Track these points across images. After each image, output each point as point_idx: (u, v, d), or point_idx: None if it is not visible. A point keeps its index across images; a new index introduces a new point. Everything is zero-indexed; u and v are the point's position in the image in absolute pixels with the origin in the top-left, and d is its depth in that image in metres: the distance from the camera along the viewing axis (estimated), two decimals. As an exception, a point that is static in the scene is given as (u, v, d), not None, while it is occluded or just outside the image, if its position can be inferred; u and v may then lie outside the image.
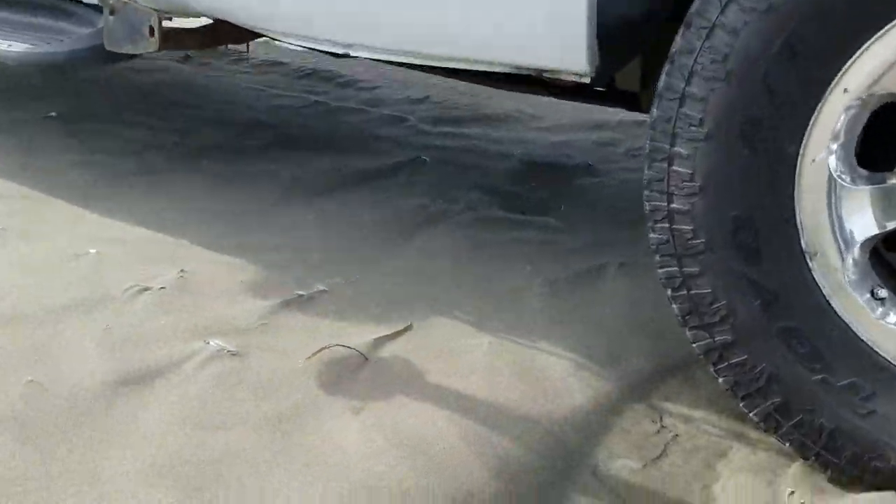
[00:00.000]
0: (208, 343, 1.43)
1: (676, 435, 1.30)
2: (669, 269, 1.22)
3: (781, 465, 1.22)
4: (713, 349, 1.21)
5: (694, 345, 1.23)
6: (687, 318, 1.22)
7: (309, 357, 1.39)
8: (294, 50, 4.41)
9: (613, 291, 1.70)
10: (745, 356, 1.19)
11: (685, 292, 1.21)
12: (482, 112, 3.12)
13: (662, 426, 1.32)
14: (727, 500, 1.16)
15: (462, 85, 3.66)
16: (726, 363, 1.21)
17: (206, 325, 1.50)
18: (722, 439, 1.29)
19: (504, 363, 1.42)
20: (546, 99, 3.48)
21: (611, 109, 3.28)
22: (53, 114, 2.76)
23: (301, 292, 1.63)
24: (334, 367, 1.38)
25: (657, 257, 1.23)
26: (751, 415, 1.22)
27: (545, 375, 1.39)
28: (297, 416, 1.26)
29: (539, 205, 2.21)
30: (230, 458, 1.16)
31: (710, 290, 1.19)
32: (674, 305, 1.24)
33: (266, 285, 1.67)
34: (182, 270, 1.70)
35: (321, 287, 1.66)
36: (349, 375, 1.37)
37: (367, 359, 1.41)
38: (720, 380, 1.23)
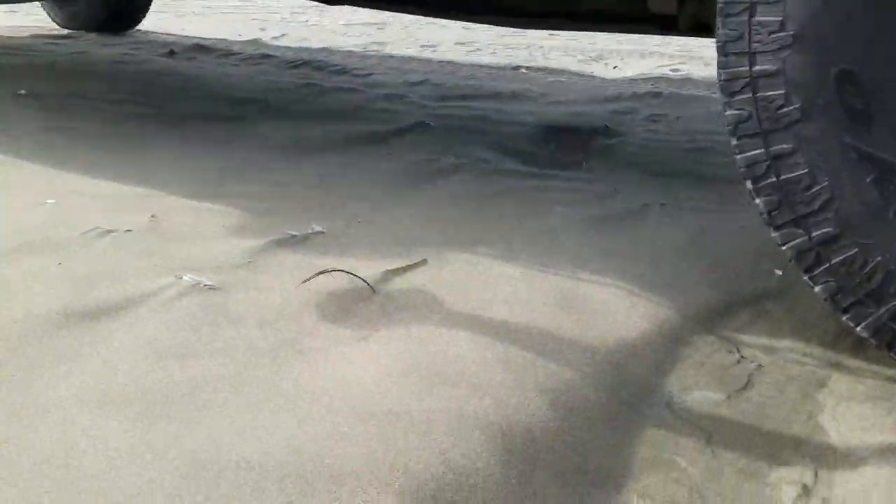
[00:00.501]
0: (181, 278, 1.18)
1: (760, 366, 1.05)
2: (752, 152, 0.98)
3: (899, 393, 0.98)
4: (808, 249, 0.98)
5: (783, 247, 1.00)
6: (774, 213, 0.99)
7: (304, 281, 1.15)
8: (283, 45, 4.21)
9: (661, 228, 1.46)
10: (853, 251, 0.95)
11: (773, 179, 0.98)
12: (487, 91, 2.92)
13: (742, 357, 1.07)
14: (841, 431, 0.91)
15: (462, 71, 3.47)
16: (826, 265, 0.97)
17: (181, 263, 1.26)
18: (817, 369, 1.04)
19: (541, 292, 1.17)
20: (553, 78, 3.29)
21: (625, 84, 3.09)
22: (23, 91, 2.54)
23: (294, 233, 1.39)
24: (335, 298, 1.14)
25: (734, 141, 1.00)
26: (858, 329, 0.98)
27: (593, 304, 1.15)
28: (286, 346, 1.01)
29: (559, 161, 1.98)
30: (199, 389, 0.90)
31: (806, 171, 0.95)
32: (757, 200, 1.00)
33: (254, 228, 1.43)
34: (153, 216, 1.46)
35: (318, 228, 1.42)
36: (353, 306, 1.12)
37: (374, 290, 1.16)
38: (817, 289, 0.99)
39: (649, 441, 0.90)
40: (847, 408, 0.95)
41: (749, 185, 1.00)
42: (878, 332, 0.96)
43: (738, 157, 1.00)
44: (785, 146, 0.95)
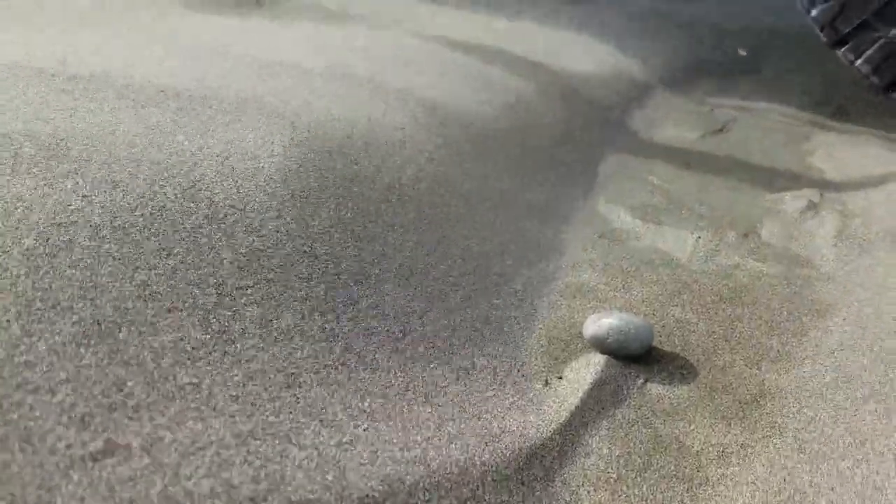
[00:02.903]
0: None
1: (735, 118, 0.88)
2: None
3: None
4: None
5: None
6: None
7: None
8: None
9: (620, 8, 1.27)
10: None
11: None
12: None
13: (713, 109, 0.90)
14: (840, 169, 0.75)
15: None
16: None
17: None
18: (797, 126, 0.88)
19: (495, 29, 0.96)
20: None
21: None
22: None
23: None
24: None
25: None
26: (858, 62, 0.81)
27: (561, 51, 0.94)
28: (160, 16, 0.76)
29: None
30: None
31: None
32: None
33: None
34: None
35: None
36: (233, 7, 0.87)
37: (259, 3, 0.91)
38: (814, 12, 0.82)
39: (616, 161, 0.71)
40: (842, 152, 0.79)
41: None
42: (882, 64, 0.80)
43: None
44: None
